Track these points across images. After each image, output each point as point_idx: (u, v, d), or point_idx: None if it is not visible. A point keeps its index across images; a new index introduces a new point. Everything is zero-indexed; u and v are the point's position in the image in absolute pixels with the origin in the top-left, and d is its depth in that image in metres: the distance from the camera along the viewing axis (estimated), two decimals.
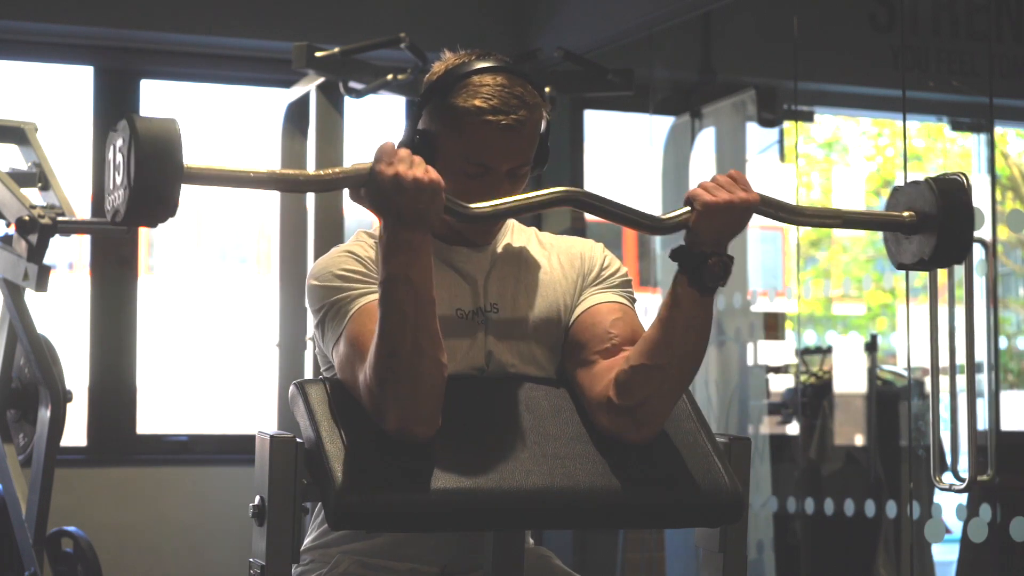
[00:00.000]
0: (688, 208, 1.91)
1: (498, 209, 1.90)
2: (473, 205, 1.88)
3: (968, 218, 1.99)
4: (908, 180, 2.31)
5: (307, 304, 2.02)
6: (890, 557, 4.82)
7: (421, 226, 1.80)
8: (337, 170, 1.81)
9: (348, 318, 1.92)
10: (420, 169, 1.78)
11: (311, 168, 4.35)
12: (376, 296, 1.86)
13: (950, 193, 1.97)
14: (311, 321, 2.04)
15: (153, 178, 1.67)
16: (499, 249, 2.07)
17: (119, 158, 1.70)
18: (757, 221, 2.00)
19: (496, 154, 1.95)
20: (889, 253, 2.07)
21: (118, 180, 1.71)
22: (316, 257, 4.22)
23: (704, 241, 1.89)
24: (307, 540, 2.08)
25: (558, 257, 2.09)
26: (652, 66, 5.03)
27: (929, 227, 1.98)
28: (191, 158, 1.71)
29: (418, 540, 2.01)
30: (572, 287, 2.07)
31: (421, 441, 1.84)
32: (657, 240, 5.19)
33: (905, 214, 2.00)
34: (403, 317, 1.80)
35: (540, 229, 2.15)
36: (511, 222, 2.11)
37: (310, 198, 4.32)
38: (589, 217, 5.47)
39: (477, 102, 1.94)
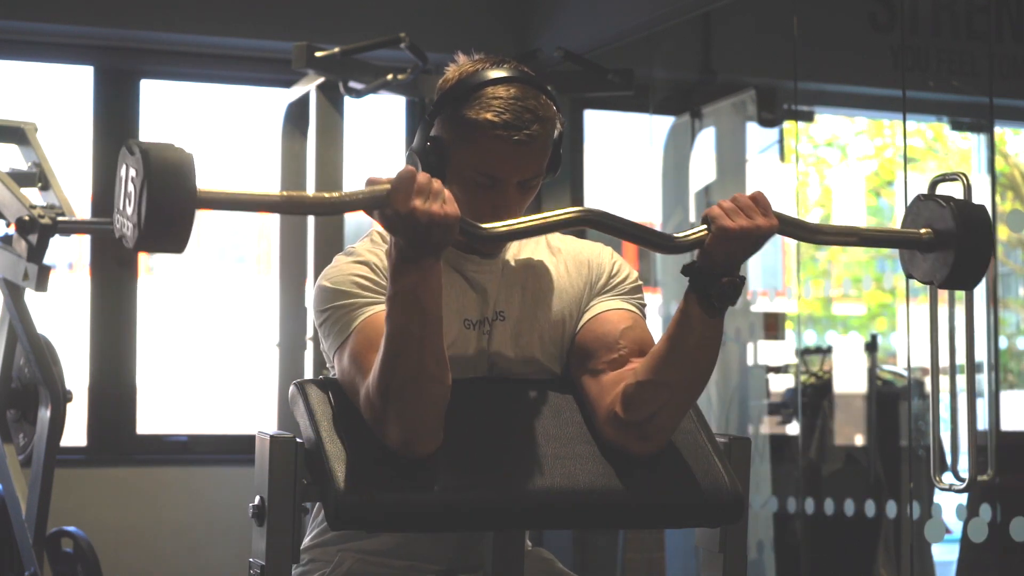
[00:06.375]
0: (704, 228, 1.86)
1: (512, 230, 1.85)
2: (487, 225, 1.83)
3: (988, 248, 1.95)
4: (933, 192, 2.27)
5: (312, 305, 1.98)
6: (890, 557, 4.82)
7: (432, 253, 1.76)
8: (354, 193, 1.74)
9: (353, 328, 1.90)
10: (438, 204, 1.73)
11: (311, 172, 4.34)
12: (383, 308, 1.83)
13: (972, 220, 1.93)
14: (311, 321, 2.03)
15: (166, 206, 1.61)
16: (509, 255, 2.05)
17: (131, 187, 1.64)
18: None
19: (506, 168, 1.92)
20: (902, 261, 2.03)
21: (128, 207, 1.65)
22: (316, 258, 4.22)
23: (717, 263, 1.85)
24: (306, 540, 2.07)
25: (566, 264, 2.06)
26: (652, 66, 5.03)
27: (945, 248, 1.94)
28: (203, 182, 1.66)
29: (418, 540, 2.00)
30: (579, 295, 2.05)
31: (422, 457, 1.82)
32: None
33: (922, 231, 1.96)
34: (409, 336, 1.77)
35: None
36: None
37: None
38: None
39: (489, 115, 1.90)
